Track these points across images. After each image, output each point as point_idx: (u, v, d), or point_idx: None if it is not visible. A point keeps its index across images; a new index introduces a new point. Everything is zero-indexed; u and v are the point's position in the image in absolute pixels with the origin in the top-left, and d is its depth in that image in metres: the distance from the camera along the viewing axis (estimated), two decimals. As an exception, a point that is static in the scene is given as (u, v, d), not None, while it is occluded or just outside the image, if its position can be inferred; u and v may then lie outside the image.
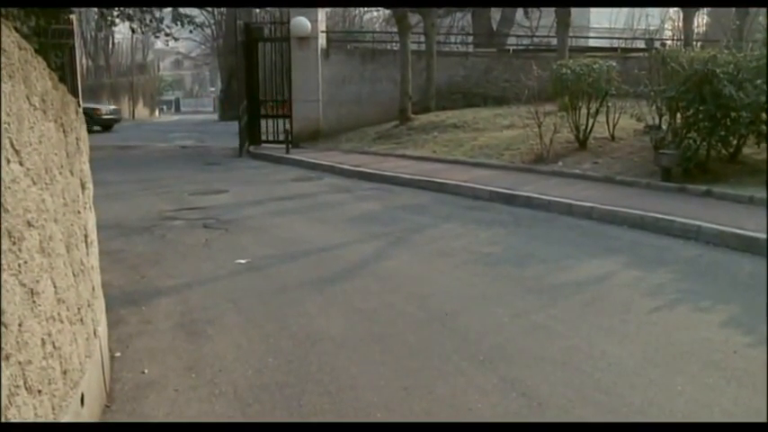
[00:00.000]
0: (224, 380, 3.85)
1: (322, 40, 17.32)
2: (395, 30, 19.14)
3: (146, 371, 3.99)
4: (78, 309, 2.98)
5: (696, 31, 22.23)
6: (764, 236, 6.39)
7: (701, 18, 24.69)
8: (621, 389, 3.67)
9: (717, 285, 5.55)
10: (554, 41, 18.32)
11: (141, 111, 40.59)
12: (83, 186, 3.54)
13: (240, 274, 6.06)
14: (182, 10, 11.41)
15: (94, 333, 3.37)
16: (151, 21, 10.17)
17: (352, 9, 34.82)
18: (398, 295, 5.33)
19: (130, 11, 9.01)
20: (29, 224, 2.25)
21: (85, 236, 3.44)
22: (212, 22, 36.60)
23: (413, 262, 6.36)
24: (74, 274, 2.95)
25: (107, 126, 25.73)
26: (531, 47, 22.65)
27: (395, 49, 18.98)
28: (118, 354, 4.23)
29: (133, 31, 11.22)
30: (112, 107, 28.22)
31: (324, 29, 17.81)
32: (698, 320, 4.71)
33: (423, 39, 18.23)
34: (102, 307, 4.01)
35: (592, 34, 24.91)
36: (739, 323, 4.65)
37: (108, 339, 4.13)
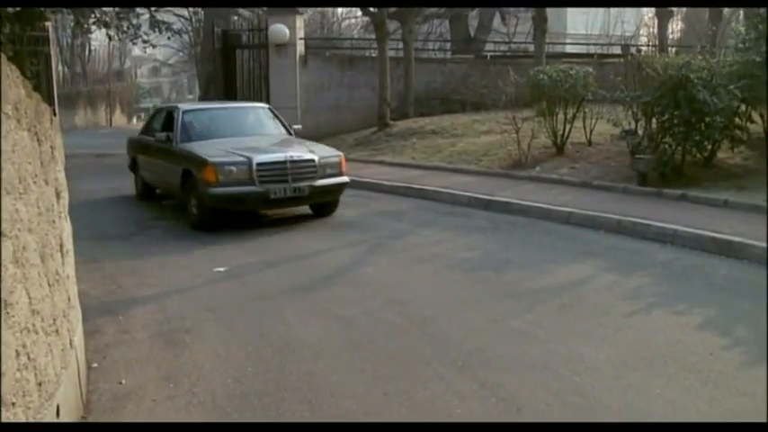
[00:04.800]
0: (202, 389, 3.83)
1: (300, 47, 17.31)
2: (373, 37, 19.21)
3: (123, 381, 3.96)
4: (54, 319, 2.94)
5: (671, 36, 22.55)
6: (739, 239, 6.47)
7: (676, 24, 25.06)
8: (600, 392, 3.70)
9: (692, 288, 5.61)
10: (531, 48, 18.44)
11: (119, 118, 40.27)
12: (58, 195, 3.51)
13: (219, 282, 6.02)
14: (159, 17, 11.28)
15: (70, 344, 3.33)
16: (128, 27, 10.03)
17: (330, 16, 34.86)
18: (377, 302, 5.33)
19: (107, 18, 8.89)
20: (2, 234, 2.23)
21: (61, 245, 3.40)
22: (190, 29, 36.40)
23: (392, 268, 6.36)
24: (49, 285, 2.92)
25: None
26: (508, 53, 22.77)
27: (373, 55, 19.03)
28: (95, 364, 4.18)
29: (110, 38, 11.11)
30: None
31: (302, 36, 17.81)
32: (674, 323, 4.76)
33: (401, 45, 18.28)
34: (79, 317, 3.96)
35: (568, 40, 25.15)
36: (715, 326, 4.71)
37: (85, 350, 4.09)
